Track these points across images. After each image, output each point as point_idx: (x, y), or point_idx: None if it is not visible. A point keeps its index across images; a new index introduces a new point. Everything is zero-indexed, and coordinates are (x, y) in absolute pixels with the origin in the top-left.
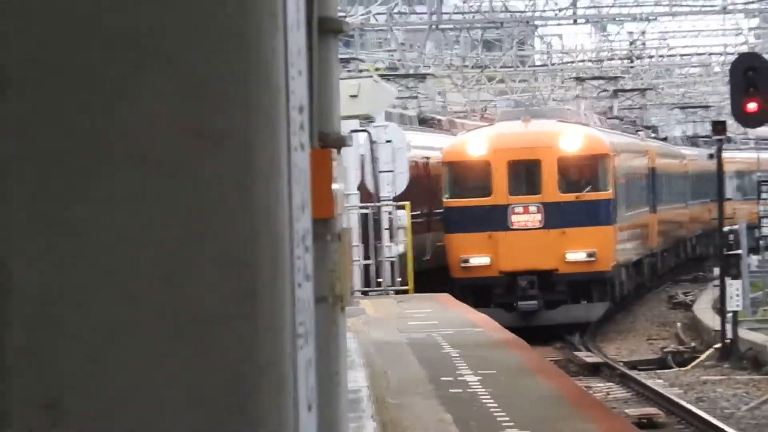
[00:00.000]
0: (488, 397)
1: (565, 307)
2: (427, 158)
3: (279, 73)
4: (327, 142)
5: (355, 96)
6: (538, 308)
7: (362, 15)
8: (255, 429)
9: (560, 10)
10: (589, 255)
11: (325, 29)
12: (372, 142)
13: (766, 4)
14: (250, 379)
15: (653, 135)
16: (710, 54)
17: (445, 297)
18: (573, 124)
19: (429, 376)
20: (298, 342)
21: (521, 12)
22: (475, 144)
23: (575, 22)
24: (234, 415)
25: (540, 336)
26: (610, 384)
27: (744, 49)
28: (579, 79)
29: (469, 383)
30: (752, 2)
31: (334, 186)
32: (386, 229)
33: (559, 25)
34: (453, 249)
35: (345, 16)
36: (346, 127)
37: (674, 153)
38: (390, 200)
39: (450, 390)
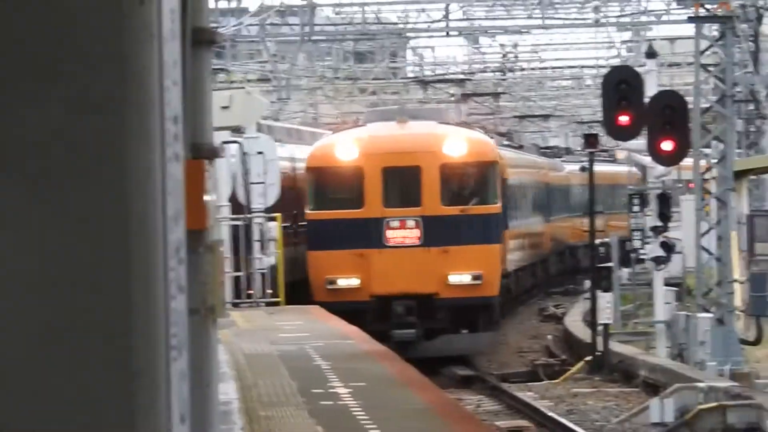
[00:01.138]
0: (359, 409)
1: (446, 337)
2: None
3: (153, 84)
4: (200, 153)
5: (226, 107)
6: (417, 338)
7: (234, 26)
8: None
9: (432, 22)
10: (475, 278)
11: (198, 40)
12: (243, 154)
13: (637, 17)
14: (124, 388)
15: (506, 143)
16: (582, 67)
17: (317, 309)
18: (456, 127)
19: (300, 388)
20: (172, 354)
21: (393, 24)
22: (344, 147)
23: (447, 34)
24: (109, 423)
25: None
26: (481, 396)
27: (616, 62)
28: (423, 82)
29: (340, 395)
30: (624, 16)
31: (207, 197)
32: (257, 240)
33: (431, 37)
34: (317, 269)
35: (217, 28)
36: (217, 138)
37: (532, 163)
38: (261, 212)
39: (321, 402)
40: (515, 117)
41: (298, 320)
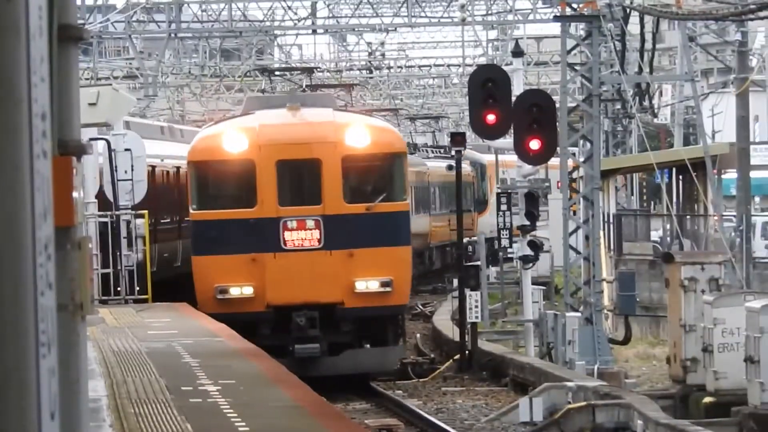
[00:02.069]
0: (228, 407)
1: (351, 352)
2: (178, 167)
3: (21, 80)
4: (67, 150)
5: (94, 104)
6: (320, 353)
7: (101, 23)
8: None
9: (299, 20)
10: (384, 284)
11: (65, 36)
12: (111, 151)
13: (504, 16)
14: None
15: None
16: (449, 65)
17: (185, 306)
18: (355, 114)
19: (169, 385)
20: (41, 350)
21: (260, 21)
22: (231, 138)
23: (314, 32)
24: None
25: (323, 386)
26: (350, 395)
27: (483, 60)
28: (268, 71)
29: (210, 392)
30: (491, 15)
31: (75, 194)
32: (124, 237)
33: (298, 35)
34: (204, 275)
35: (84, 24)
36: (84, 135)
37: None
38: (129, 209)
39: (190, 399)
40: (409, 119)
41: (166, 317)
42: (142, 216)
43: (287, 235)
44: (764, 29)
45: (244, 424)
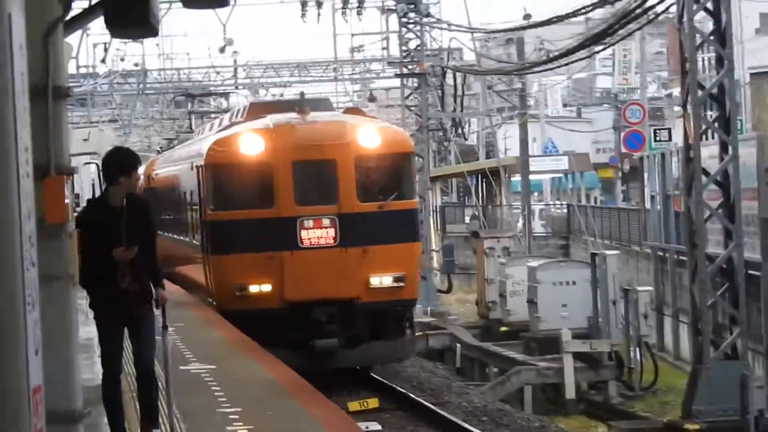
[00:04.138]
0: (179, 340)
1: (366, 345)
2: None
3: (11, 125)
4: (60, 171)
5: (86, 139)
6: (339, 347)
7: (92, 84)
8: None
9: (225, 80)
10: (397, 279)
11: (57, 94)
12: (100, 171)
13: (364, 74)
14: None
15: None
16: None
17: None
18: (361, 116)
19: None
20: (28, 308)
21: (199, 81)
22: (248, 141)
23: (236, 88)
24: None
25: (338, 381)
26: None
27: (349, 104)
28: (191, 96)
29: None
30: (355, 74)
31: (66, 200)
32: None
33: (224, 93)
34: (223, 274)
35: (80, 86)
36: (80, 161)
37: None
38: None
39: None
40: None
41: None
42: None
43: (304, 233)
44: (537, 80)
45: (190, 352)
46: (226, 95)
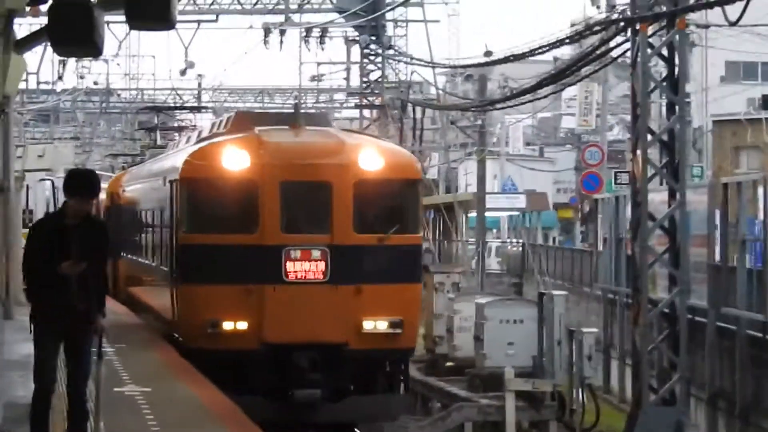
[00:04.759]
0: (118, 361)
1: (354, 398)
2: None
3: None
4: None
5: (41, 156)
6: (321, 399)
7: (54, 101)
8: None
9: (187, 101)
10: (393, 325)
11: None
12: (54, 188)
13: (329, 107)
14: None
15: None
16: None
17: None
18: (362, 135)
19: None
20: None
21: (162, 102)
22: (230, 154)
23: (199, 110)
24: None
25: None
26: None
27: None
28: (157, 109)
29: (106, 353)
30: (318, 103)
31: None
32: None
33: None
34: (193, 307)
35: (43, 102)
36: (37, 176)
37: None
38: None
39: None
40: None
41: None
42: None
43: (290, 265)
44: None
45: (127, 374)
46: (193, 110)
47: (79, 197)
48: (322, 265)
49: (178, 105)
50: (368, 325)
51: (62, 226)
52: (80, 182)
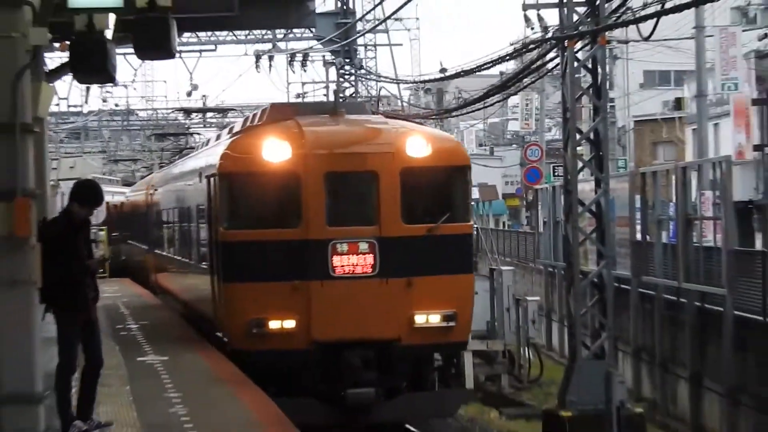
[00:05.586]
0: (142, 335)
1: (407, 396)
2: (122, 202)
3: None
4: (26, 194)
5: (72, 167)
6: (376, 398)
7: (83, 121)
8: None
9: (198, 122)
10: (446, 318)
11: (24, 130)
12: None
13: None
14: None
15: None
16: None
17: (127, 280)
18: (406, 121)
19: (110, 323)
20: None
21: (174, 120)
22: (271, 146)
23: (205, 126)
24: None
25: None
26: None
27: None
28: (187, 111)
29: (132, 329)
30: None
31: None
32: (93, 241)
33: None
34: (236, 306)
35: (74, 122)
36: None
37: None
38: (96, 225)
39: (121, 333)
40: None
41: (115, 286)
42: (103, 229)
43: (336, 260)
44: (456, 124)
45: (150, 348)
46: (224, 111)
47: (88, 207)
48: (370, 259)
49: (183, 123)
50: (420, 319)
51: (74, 228)
52: (94, 195)
